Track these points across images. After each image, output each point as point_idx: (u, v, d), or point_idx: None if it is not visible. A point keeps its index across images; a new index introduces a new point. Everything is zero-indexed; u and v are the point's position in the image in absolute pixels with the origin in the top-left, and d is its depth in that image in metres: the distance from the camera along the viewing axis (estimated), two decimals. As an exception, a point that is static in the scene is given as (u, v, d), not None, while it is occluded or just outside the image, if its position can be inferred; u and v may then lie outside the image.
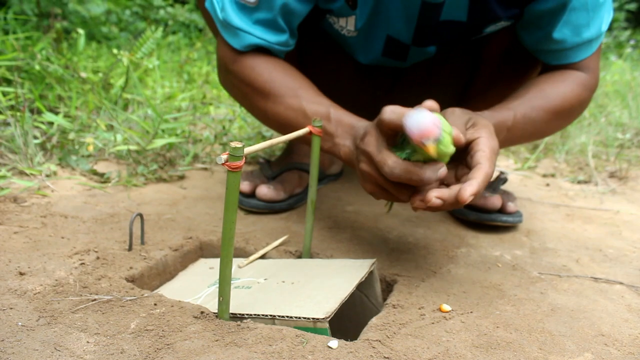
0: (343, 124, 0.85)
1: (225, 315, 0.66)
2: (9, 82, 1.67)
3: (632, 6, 6.51)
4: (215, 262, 0.88)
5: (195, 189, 1.23)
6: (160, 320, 0.66)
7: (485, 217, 1.05)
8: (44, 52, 1.91)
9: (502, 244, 1.00)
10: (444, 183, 0.78)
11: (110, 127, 1.53)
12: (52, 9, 2.95)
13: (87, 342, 0.60)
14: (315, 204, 0.86)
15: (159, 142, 1.35)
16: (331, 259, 0.89)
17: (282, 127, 0.93)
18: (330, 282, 0.73)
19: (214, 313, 0.67)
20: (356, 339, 0.65)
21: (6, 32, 2.43)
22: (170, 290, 0.81)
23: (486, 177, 0.71)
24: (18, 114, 1.33)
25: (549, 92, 0.94)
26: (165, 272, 0.87)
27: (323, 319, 0.64)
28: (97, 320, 0.65)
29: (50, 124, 1.47)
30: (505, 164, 1.72)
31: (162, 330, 0.63)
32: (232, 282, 0.67)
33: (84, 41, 2.44)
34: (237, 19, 0.91)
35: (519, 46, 1.05)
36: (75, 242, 0.87)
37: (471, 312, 0.73)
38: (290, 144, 1.27)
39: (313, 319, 0.64)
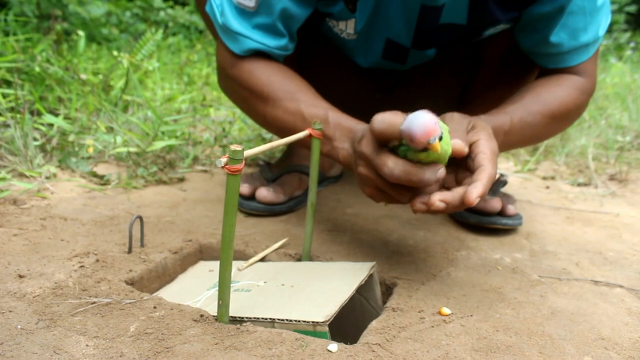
0: (341, 127, 0.85)
1: (225, 318, 0.66)
2: (9, 84, 1.67)
3: (632, 8, 6.52)
4: (215, 265, 0.88)
5: (195, 192, 1.23)
6: (160, 323, 0.66)
7: (485, 220, 1.05)
8: (44, 54, 1.91)
9: (502, 247, 1.00)
10: (444, 186, 0.78)
11: (110, 129, 1.53)
12: (52, 11, 2.95)
13: (87, 345, 0.60)
14: (315, 207, 0.86)
15: (158, 144, 1.35)
16: (331, 261, 0.89)
17: (281, 131, 0.93)
18: (330, 285, 0.73)
19: (214, 316, 0.67)
20: (356, 342, 0.65)
21: (6, 34, 2.43)
22: (170, 293, 0.81)
23: (490, 179, 0.71)
24: (18, 115, 1.33)
25: (546, 96, 0.94)
26: (165, 275, 0.87)
27: (323, 322, 0.64)
28: (96, 324, 0.65)
29: (50, 125, 1.47)
30: (505, 166, 1.72)
31: (162, 334, 0.63)
32: (231, 285, 0.67)
33: (84, 43, 2.44)
34: (236, 23, 0.91)
35: (519, 48, 1.05)
36: (74, 244, 0.87)
37: (471, 315, 0.73)
38: (290, 146, 1.27)
39: (313, 322, 0.64)
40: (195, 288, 0.81)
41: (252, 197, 1.11)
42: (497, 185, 1.11)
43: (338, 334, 0.72)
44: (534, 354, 0.65)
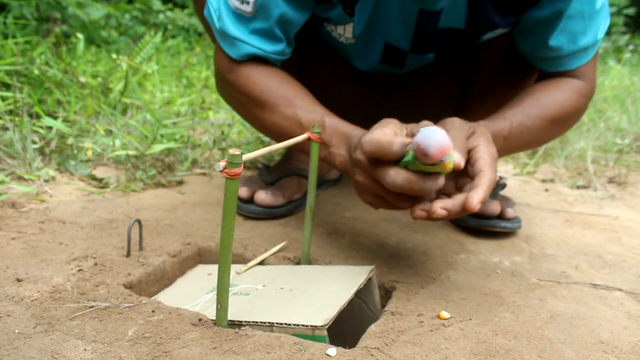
0: (338, 133, 0.85)
1: (224, 322, 0.66)
2: (7, 87, 1.67)
3: (630, 11, 6.53)
4: (214, 269, 0.88)
5: (194, 195, 1.23)
6: (158, 327, 0.65)
7: (484, 223, 1.05)
8: (43, 57, 1.91)
9: (501, 250, 1.00)
10: (444, 193, 0.77)
11: (109, 132, 1.53)
12: (51, 13, 2.95)
13: (85, 349, 0.60)
14: (313, 210, 0.85)
15: (157, 147, 1.35)
16: (330, 265, 0.89)
17: (279, 136, 0.93)
18: (328, 289, 0.73)
19: (212, 320, 0.67)
20: (354, 346, 0.65)
21: (5, 37, 2.43)
22: (169, 296, 0.81)
23: (490, 184, 0.71)
24: (17, 118, 1.33)
25: (545, 100, 0.94)
26: (164, 279, 0.86)
27: (321, 326, 0.64)
28: (94, 328, 0.65)
29: (49, 128, 1.47)
30: (504, 169, 1.72)
31: (160, 338, 0.63)
32: (230, 288, 0.66)
33: (83, 45, 2.44)
34: (233, 28, 0.91)
35: (518, 52, 1.05)
36: (73, 248, 0.87)
37: (470, 319, 0.73)
38: (289, 149, 1.27)
39: (311, 326, 0.64)
40: (194, 292, 0.81)
41: (250, 200, 1.11)
42: (496, 188, 1.11)
43: (337, 337, 0.72)
44: (533, 358, 0.65)
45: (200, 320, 0.67)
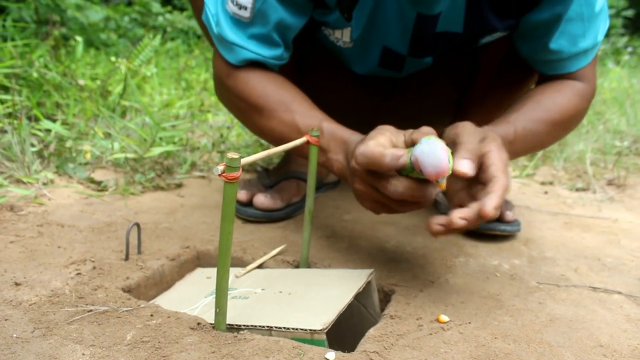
0: (335, 139, 0.85)
1: (222, 326, 0.66)
2: (6, 90, 1.67)
3: (629, 12, 6.54)
4: (213, 272, 0.87)
5: (193, 197, 1.22)
6: (157, 331, 0.65)
7: (483, 226, 1.05)
8: (42, 60, 1.91)
9: (500, 253, 1.00)
10: (459, 204, 0.77)
11: (107, 135, 1.53)
12: (50, 16, 2.95)
13: (83, 354, 0.60)
14: (313, 213, 0.85)
15: (156, 150, 1.35)
16: (329, 268, 0.89)
17: (277, 141, 0.92)
18: (327, 292, 0.73)
19: (211, 324, 0.67)
20: (353, 350, 0.65)
21: (4, 39, 2.43)
22: (167, 300, 0.80)
23: (504, 190, 0.70)
24: (15, 121, 1.33)
25: (547, 103, 0.94)
26: (162, 282, 0.86)
27: (320, 330, 0.63)
28: (92, 332, 0.64)
29: (48, 131, 1.47)
30: (504, 171, 1.72)
31: (159, 342, 0.63)
32: (229, 292, 0.66)
33: (82, 48, 2.44)
34: (231, 33, 0.91)
35: (517, 54, 1.05)
36: (71, 251, 0.87)
37: (469, 322, 0.73)
38: (288, 152, 1.27)
39: (310, 330, 0.64)
40: (192, 295, 0.81)
41: (249, 203, 1.11)
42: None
43: (336, 341, 0.72)
44: (532, 362, 0.65)
45: (198, 324, 0.67)
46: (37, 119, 1.52)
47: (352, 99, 1.22)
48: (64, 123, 1.60)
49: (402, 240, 1.03)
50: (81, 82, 1.84)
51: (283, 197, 1.12)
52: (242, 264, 0.91)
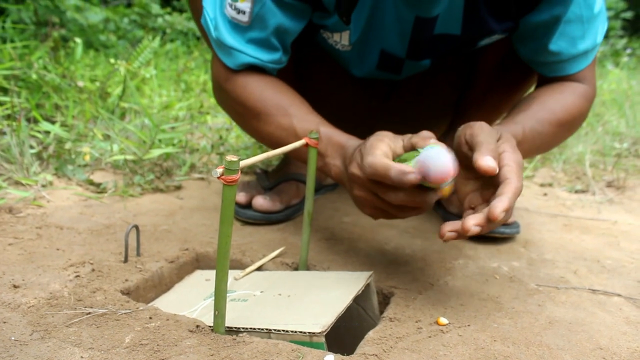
0: (333, 143, 0.85)
1: (221, 329, 0.66)
2: (5, 91, 1.67)
3: (628, 14, 6.55)
4: (212, 274, 0.87)
5: (192, 199, 1.22)
6: (155, 334, 0.65)
7: (482, 228, 1.05)
8: (41, 61, 1.91)
9: (499, 255, 1.00)
10: (470, 207, 0.76)
11: (107, 137, 1.53)
12: (50, 18, 2.95)
13: (81, 357, 0.60)
14: (312, 215, 0.85)
15: (155, 152, 1.35)
16: (328, 271, 0.89)
17: (275, 145, 0.92)
18: (327, 295, 0.73)
19: (210, 327, 0.67)
20: (353, 353, 0.64)
21: (4, 41, 2.43)
22: (166, 302, 0.80)
23: (516, 192, 0.69)
24: (14, 123, 1.33)
25: (552, 104, 0.94)
26: (161, 284, 0.86)
27: (319, 333, 0.63)
28: (91, 335, 0.64)
29: (47, 133, 1.47)
30: (503, 173, 1.72)
31: (157, 345, 0.63)
32: (228, 294, 0.66)
33: (82, 50, 2.44)
34: (230, 38, 0.91)
35: (515, 56, 1.05)
36: (70, 253, 0.87)
37: (468, 325, 0.73)
38: (287, 154, 1.27)
39: (309, 333, 0.64)
40: (191, 298, 0.81)
41: (248, 205, 1.11)
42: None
43: (335, 344, 0.72)
44: (531, 365, 0.65)
45: (197, 326, 0.67)
46: (36, 121, 1.52)
47: (350, 101, 1.22)
48: (63, 125, 1.60)
49: (401, 242, 1.03)
50: (80, 83, 1.84)
51: (282, 199, 1.12)
52: (241, 266, 0.91)
